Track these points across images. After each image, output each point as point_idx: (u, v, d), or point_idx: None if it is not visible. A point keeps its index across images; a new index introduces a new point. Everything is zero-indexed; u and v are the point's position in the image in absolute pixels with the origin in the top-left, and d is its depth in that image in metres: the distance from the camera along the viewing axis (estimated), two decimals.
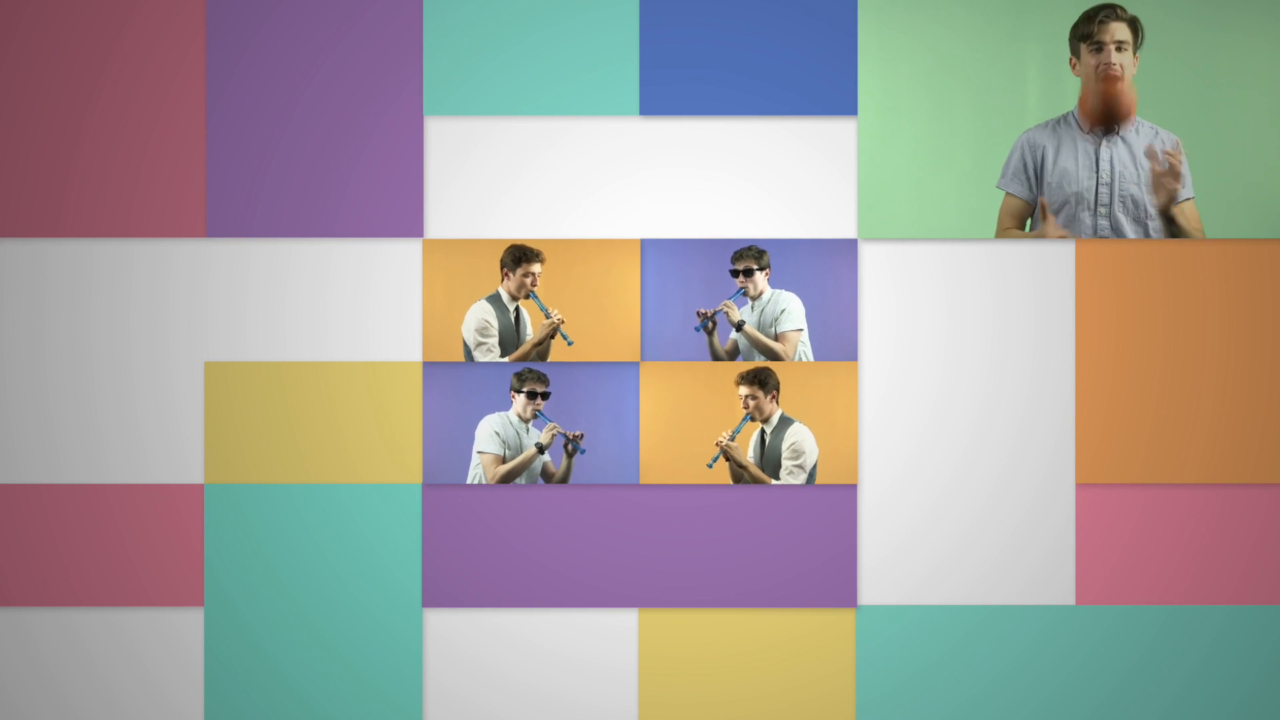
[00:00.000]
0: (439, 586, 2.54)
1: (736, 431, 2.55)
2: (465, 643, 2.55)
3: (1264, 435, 2.55)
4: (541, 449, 2.55)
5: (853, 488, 2.55)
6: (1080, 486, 2.56)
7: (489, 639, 2.56)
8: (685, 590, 2.55)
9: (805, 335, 2.55)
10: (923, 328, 2.56)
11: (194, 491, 2.53)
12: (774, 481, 2.54)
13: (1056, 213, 2.58)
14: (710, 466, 2.54)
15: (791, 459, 2.54)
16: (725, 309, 2.55)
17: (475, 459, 2.55)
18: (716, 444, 2.54)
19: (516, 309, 2.56)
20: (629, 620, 2.55)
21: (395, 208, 2.54)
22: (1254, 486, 2.55)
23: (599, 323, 2.55)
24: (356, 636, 2.54)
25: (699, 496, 2.55)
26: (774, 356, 2.55)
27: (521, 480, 2.55)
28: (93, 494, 2.53)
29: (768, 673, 2.55)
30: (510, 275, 2.55)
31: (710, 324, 2.55)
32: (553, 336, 2.55)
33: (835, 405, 2.55)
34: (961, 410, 2.56)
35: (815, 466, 2.54)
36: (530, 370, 2.55)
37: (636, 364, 2.55)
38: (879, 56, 2.55)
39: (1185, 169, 2.56)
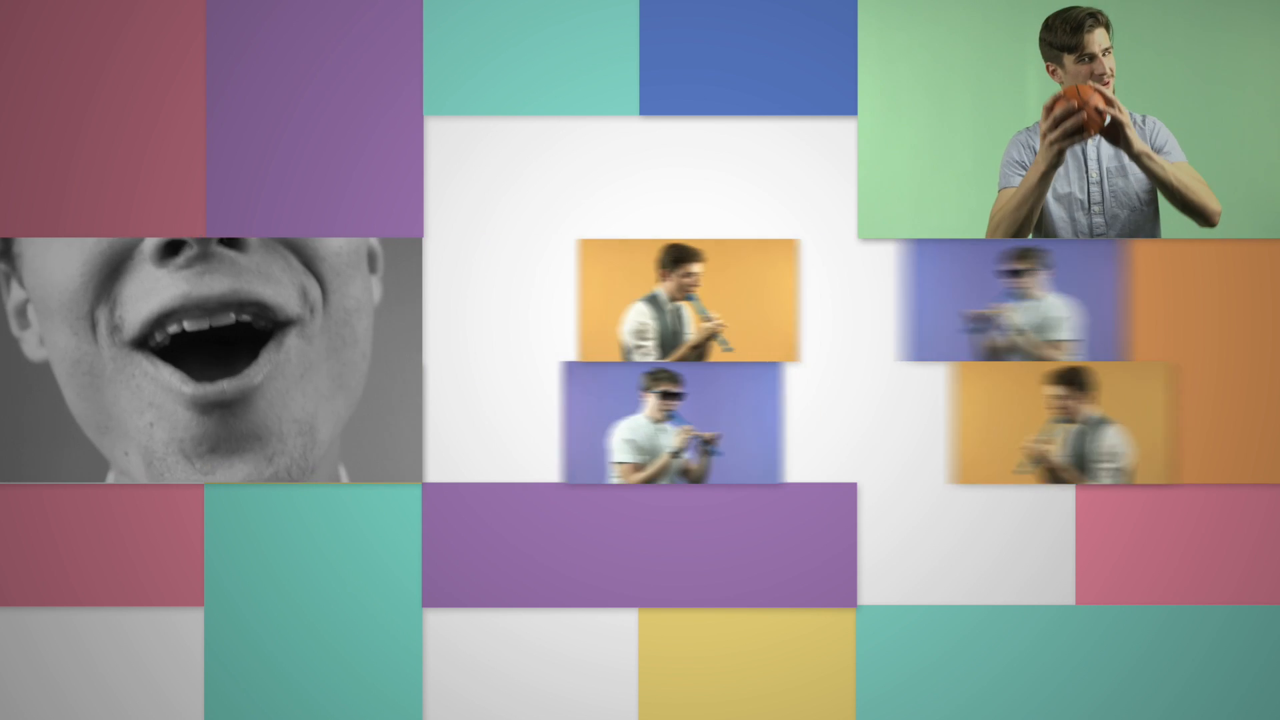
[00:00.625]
0: (439, 586, 2.54)
1: (1055, 435, 2.52)
2: (465, 643, 2.55)
3: (1264, 435, 2.55)
4: (675, 455, 2.53)
5: (853, 487, 2.55)
6: (1080, 487, 2.55)
7: (489, 639, 2.56)
8: (685, 590, 2.55)
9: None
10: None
11: (194, 491, 2.53)
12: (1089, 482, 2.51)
13: (1048, 214, 2.58)
14: (1025, 471, 2.52)
15: (1109, 461, 2.51)
16: (1000, 312, 2.50)
17: (613, 470, 2.53)
18: (1024, 449, 2.51)
19: (676, 309, 2.54)
20: (629, 620, 2.55)
21: (395, 208, 2.54)
22: (1254, 486, 2.55)
23: (754, 324, 2.53)
24: (356, 636, 2.54)
25: (699, 497, 2.55)
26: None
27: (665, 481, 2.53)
28: (93, 494, 2.53)
29: (768, 673, 2.55)
30: (669, 276, 2.53)
31: (984, 327, 2.51)
32: (710, 339, 2.53)
33: (1152, 405, 2.53)
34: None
35: (1129, 466, 2.52)
36: (664, 371, 2.53)
37: (779, 364, 2.52)
38: (879, 56, 2.55)
39: (1165, 137, 2.56)
